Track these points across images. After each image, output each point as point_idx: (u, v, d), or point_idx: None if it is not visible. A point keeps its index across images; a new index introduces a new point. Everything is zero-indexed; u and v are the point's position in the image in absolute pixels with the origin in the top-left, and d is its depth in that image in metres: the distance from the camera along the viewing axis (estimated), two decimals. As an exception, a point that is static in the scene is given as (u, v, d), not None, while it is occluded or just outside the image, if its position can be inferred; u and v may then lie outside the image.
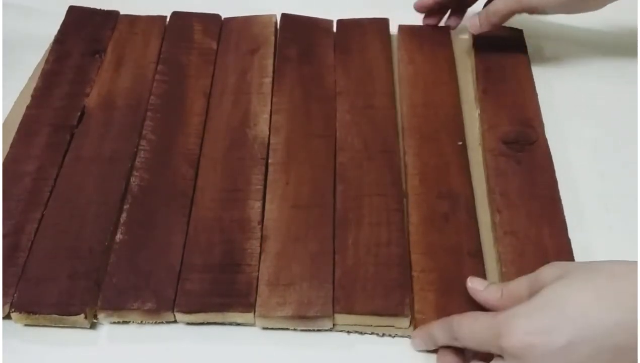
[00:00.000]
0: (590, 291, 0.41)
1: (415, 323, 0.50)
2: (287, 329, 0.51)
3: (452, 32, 0.71)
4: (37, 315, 0.50)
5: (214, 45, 0.69)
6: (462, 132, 0.62)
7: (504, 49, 0.68)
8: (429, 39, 0.70)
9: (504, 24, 0.66)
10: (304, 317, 0.50)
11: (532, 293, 0.43)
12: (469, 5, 0.71)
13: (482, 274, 0.52)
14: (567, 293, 0.42)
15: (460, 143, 0.60)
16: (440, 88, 0.65)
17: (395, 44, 0.70)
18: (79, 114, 0.63)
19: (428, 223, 0.55)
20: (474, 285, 0.49)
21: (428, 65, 0.67)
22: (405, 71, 0.67)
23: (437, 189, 0.57)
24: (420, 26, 0.71)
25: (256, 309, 0.50)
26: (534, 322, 0.41)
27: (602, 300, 0.41)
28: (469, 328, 0.44)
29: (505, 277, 0.51)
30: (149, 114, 0.63)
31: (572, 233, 0.54)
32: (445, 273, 0.52)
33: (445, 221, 0.55)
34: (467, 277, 0.50)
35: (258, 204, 0.56)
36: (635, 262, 0.42)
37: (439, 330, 0.47)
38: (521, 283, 0.46)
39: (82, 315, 0.50)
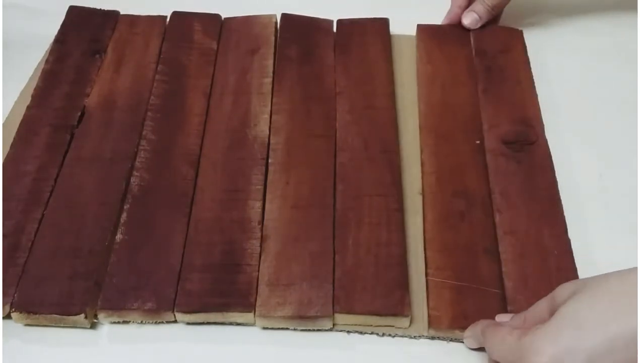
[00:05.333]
0: (604, 303, 0.41)
1: (430, 320, 0.50)
2: (287, 329, 0.51)
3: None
4: (37, 315, 0.50)
5: (214, 45, 0.69)
6: (479, 131, 0.62)
7: (504, 49, 0.68)
8: (448, 38, 0.70)
9: (501, 23, 0.65)
10: (304, 317, 0.50)
11: (552, 313, 0.43)
12: None
13: (498, 271, 0.52)
14: (581, 309, 0.41)
15: (478, 142, 0.61)
16: (458, 88, 0.65)
17: (413, 43, 0.70)
18: (79, 114, 0.63)
19: (443, 221, 0.55)
20: (501, 319, 0.49)
21: (446, 65, 0.67)
22: (423, 70, 0.67)
23: (453, 188, 0.57)
24: (439, 26, 0.71)
25: (256, 309, 0.50)
26: (554, 345, 0.41)
27: (617, 310, 0.40)
28: (497, 348, 0.45)
29: (505, 276, 0.52)
30: (149, 114, 0.63)
31: (572, 233, 0.54)
32: (461, 271, 0.52)
33: (461, 219, 0.55)
34: (482, 274, 0.51)
35: (258, 204, 0.56)
36: None
37: (470, 335, 0.49)
38: (541, 306, 0.46)
39: (82, 315, 0.50)
